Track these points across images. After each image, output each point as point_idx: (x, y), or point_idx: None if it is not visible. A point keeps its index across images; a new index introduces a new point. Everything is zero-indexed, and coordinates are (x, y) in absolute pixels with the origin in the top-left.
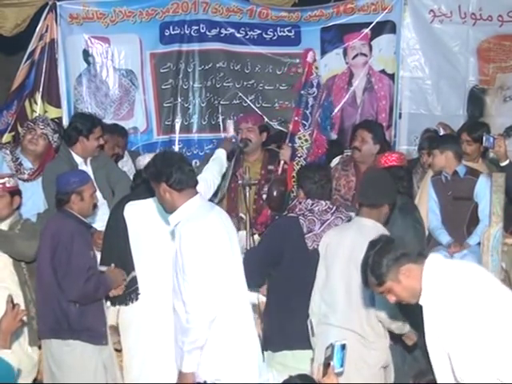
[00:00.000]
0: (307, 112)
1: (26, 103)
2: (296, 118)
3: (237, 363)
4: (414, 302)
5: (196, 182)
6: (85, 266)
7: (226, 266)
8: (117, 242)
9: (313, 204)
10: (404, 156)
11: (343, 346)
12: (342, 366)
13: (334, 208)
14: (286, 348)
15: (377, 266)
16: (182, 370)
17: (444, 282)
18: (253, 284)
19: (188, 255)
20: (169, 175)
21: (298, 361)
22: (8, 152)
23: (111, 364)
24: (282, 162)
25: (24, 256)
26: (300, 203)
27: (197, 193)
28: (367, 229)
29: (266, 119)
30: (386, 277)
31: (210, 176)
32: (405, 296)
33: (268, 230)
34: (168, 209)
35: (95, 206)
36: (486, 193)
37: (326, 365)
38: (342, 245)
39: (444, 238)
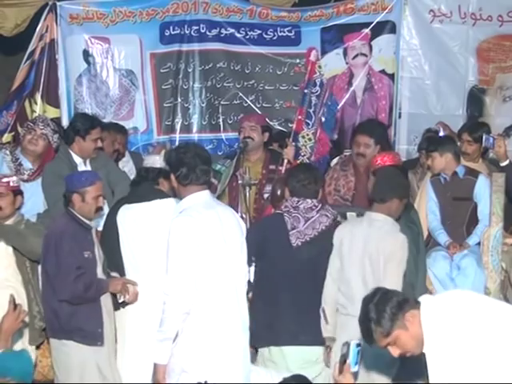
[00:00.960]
0: (310, 111)
1: (26, 103)
2: (299, 117)
3: (213, 359)
4: (418, 353)
5: (206, 181)
6: (73, 265)
7: (211, 264)
8: (110, 245)
9: (298, 201)
10: (399, 156)
11: (358, 345)
12: (356, 363)
13: (320, 206)
14: (273, 344)
15: (382, 315)
16: (155, 360)
17: (443, 324)
18: None
19: (171, 247)
20: (177, 169)
21: (285, 357)
22: (8, 152)
23: (107, 365)
24: (285, 161)
25: (33, 253)
26: (286, 201)
27: (205, 189)
28: (378, 223)
29: (266, 119)
30: (394, 325)
31: None
32: (412, 345)
33: (251, 229)
34: (178, 197)
35: (99, 209)
36: (485, 193)
37: (342, 362)
38: (356, 239)
39: (443, 238)
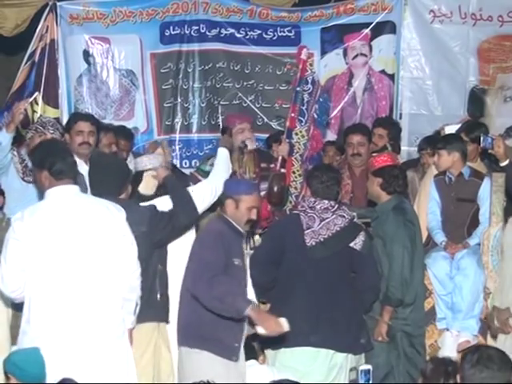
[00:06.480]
0: (303, 108)
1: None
2: (292, 115)
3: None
4: None
5: (76, 175)
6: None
7: (46, 258)
8: None
9: (315, 202)
10: (395, 155)
11: (367, 371)
12: None
13: (336, 206)
14: (285, 346)
15: None
16: None
17: None
18: (260, 282)
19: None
20: (50, 164)
21: (296, 360)
22: (15, 153)
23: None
24: (280, 158)
25: None
26: (304, 201)
27: (72, 183)
28: None
29: (265, 119)
30: None
31: (215, 181)
32: None
33: (269, 228)
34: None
35: (250, 222)
36: (489, 196)
37: None
38: None
39: (439, 238)
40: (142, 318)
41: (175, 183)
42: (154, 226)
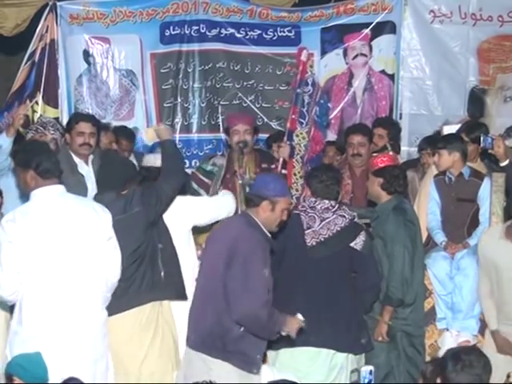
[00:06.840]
0: (304, 110)
1: (28, 104)
2: (293, 116)
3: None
4: None
5: (60, 174)
6: (264, 287)
7: (37, 258)
8: None
9: (315, 202)
10: (395, 156)
11: (370, 372)
12: None
13: (337, 206)
14: (286, 345)
15: None
16: None
17: None
18: None
19: None
20: (36, 164)
21: (297, 360)
22: None
23: None
24: (281, 160)
25: None
26: (304, 201)
27: (58, 183)
28: None
29: (265, 119)
30: None
31: (220, 207)
32: None
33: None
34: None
35: (281, 223)
36: (489, 196)
37: None
38: None
39: (439, 238)
40: (147, 298)
41: (172, 149)
42: (146, 203)
